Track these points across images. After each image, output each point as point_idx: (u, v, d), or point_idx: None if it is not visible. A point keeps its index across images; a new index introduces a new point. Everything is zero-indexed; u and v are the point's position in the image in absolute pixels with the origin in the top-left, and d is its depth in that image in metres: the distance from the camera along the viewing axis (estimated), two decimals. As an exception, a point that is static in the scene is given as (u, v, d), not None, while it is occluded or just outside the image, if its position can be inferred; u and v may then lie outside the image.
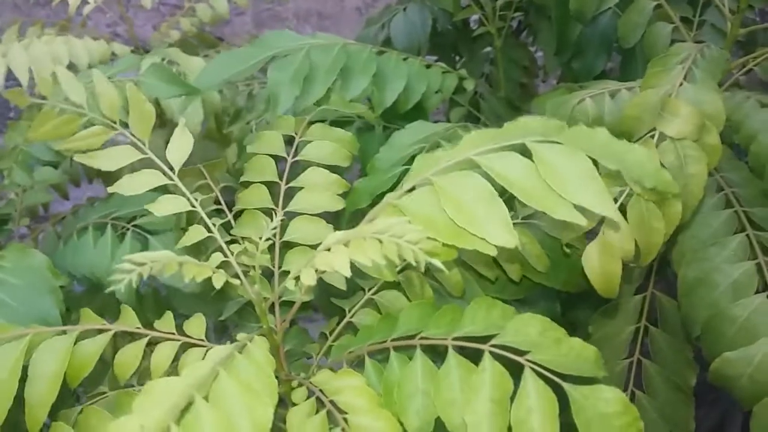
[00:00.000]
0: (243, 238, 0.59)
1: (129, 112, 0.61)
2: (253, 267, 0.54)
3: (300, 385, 0.54)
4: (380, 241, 0.43)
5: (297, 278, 0.47)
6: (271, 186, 0.70)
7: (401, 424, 0.48)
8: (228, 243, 0.58)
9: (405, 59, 0.89)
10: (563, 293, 0.78)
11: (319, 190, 0.68)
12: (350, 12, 2.30)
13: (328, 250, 0.44)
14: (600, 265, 0.56)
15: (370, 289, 0.65)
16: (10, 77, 0.90)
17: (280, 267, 0.64)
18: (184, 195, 0.59)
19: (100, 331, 0.54)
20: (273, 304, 0.60)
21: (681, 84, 0.63)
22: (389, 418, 0.47)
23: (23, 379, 0.49)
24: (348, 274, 0.42)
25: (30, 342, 0.50)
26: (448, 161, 0.48)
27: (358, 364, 0.56)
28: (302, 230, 0.66)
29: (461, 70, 0.97)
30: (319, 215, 0.67)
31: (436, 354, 0.50)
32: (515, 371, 0.45)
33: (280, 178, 0.70)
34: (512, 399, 0.44)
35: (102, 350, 0.53)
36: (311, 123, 0.75)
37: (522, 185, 0.45)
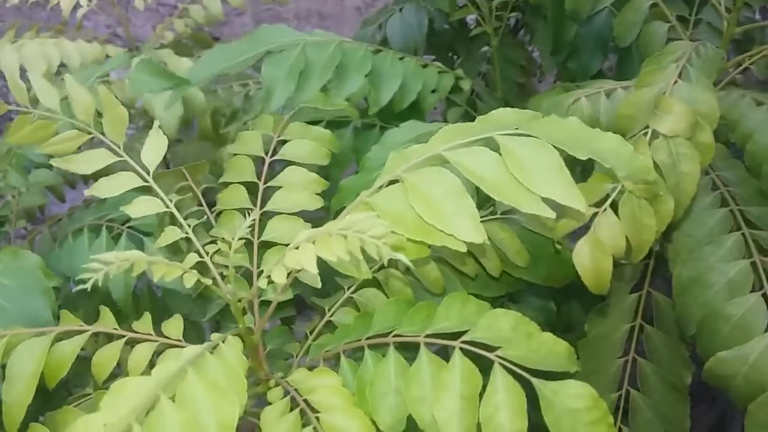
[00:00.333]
0: (221, 238, 0.59)
1: (103, 116, 0.61)
2: (226, 267, 0.54)
3: (277, 384, 0.54)
4: (345, 237, 0.43)
5: (269, 277, 0.47)
6: (251, 186, 0.70)
7: (374, 422, 0.48)
8: (209, 243, 0.58)
9: (401, 58, 0.89)
10: (557, 292, 0.79)
11: (297, 189, 0.68)
12: (350, 12, 2.30)
13: (297, 248, 0.44)
14: (591, 261, 0.56)
15: (349, 288, 0.65)
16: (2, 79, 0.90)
17: (258, 267, 0.64)
18: (159, 197, 0.59)
19: (79, 332, 0.54)
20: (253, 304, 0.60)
21: (675, 82, 0.63)
22: (362, 417, 0.47)
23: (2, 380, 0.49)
24: (315, 271, 0.43)
25: (8, 343, 0.51)
26: (418, 157, 0.48)
27: (335, 363, 0.56)
28: (280, 229, 0.66)
29: (458, 69, 0.97)
30: (305, 215, 0.67)
31: (412, 351, 0.50)
32: (487, 367, 0.45)
33: (260, 178, 0.70)
34: (482, 395, 0.44)
35: (78, 350, 0.53)
36: (290, 122, 0.75)
37: (490, 180, 0.45)
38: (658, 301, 0.80)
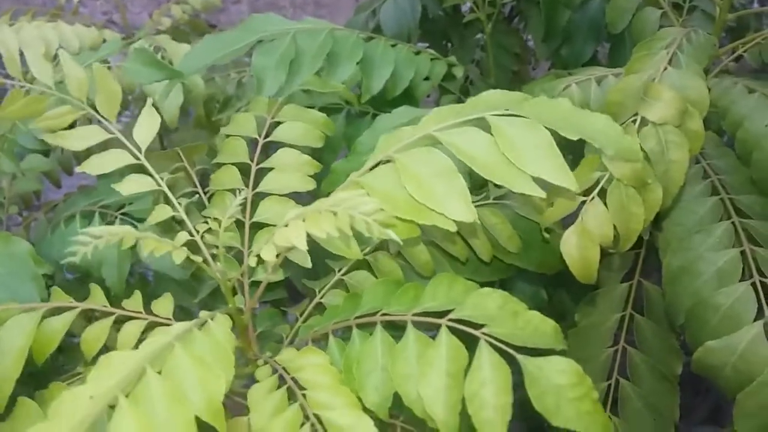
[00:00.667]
0: (213, 218, 0.59)
1: (96, 92, 0.61)
2: (216, 246, 0.54)
3: (265, 363, 0.54)
4: (335, 214, 0.43)
5: (258, 256, 0.47)
6: (244, 167, 0.70)
7: (360, 400, 0.48)
8: (201, 223, 0.58)
9: (393, 45, 0.89)
10: (549, 280, 0.78)
11: (289, 171, 0.68)
12: (346, 0, 2.29)
13: (287, 225, 0.44)
14: (578, 250, 0.56)
15: (340, 270, 0.65)
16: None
17: (250, 247, 0.64)
18: (150, 175, 0.59)
19: (69, 309, 0.54)
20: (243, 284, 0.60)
21: (665, 69, 0.63)
22: (348, 394, 0.47)
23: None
24: (304, 247, 0.43)
25: None
26: (410, 138, 0.48)
27: (324, 343, 0.56)
28: (272, 210, 0.66)
29: (451, 56, 0.97)
30: (298, 199, 0.66)
31: (400, 331, 0.50)
32: (473, 345, 0.44)
33: (253, 159, 0.70)
34: (468, 372, 0.44)
35: (67, 327, 0.53)
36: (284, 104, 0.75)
37: (481, 159, 0.45)
38: (648, 290, 0.80)
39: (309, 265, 0.53)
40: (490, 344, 0.44)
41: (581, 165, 0.59)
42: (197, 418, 0.37)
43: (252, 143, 0.72)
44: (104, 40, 1.05)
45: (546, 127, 0.46)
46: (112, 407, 0.34)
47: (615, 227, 0.57)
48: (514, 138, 0.45)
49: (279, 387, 0.50)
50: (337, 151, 0.94)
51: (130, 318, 0.56)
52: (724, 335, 0.63)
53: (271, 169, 0.68)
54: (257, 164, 0.69)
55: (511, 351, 0.43)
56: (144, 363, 0.37)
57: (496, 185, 0.46)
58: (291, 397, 0.49)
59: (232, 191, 0.68)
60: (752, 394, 0.61)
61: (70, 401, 0.34)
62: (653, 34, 0.72)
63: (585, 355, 0.78)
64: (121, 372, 0.36)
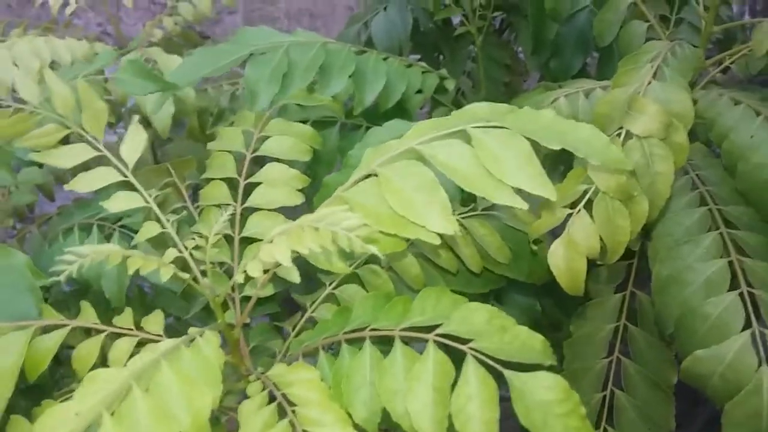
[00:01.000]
0: (201, 234, 0.60)
1: (82, 110, 0.61)
2: (204, 262, 0.55)
3: (257, 379, 0.54)
4: (317, 230, 0.43)
5: (245, 272, 0.47)
6: (233, 182, 0.70)
7: (350, 415, 0.48)
8: (190, 240, 0.58)
9: (385, 59, 0.89)
10: (544, 292, 0.79)
11: (278, 185, 0.68)
12: (341, 11, 2.30)
13: (272, 241, 0.44)
14: (565, 262, 0.57)
15: (331, 284, 0.66)
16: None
17: (240, 263, 0.64)
18: (138, 192, 0.60)
19: (61, 327, 0.54)
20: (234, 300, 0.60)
21: (649, 82, 0.63)
22: (337, 410, 0.48)
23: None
24: (289, 264, 0.43)
25: None
26: (393, 151, 0.49)
27: (315, 358, 0.57)
28: (261, 225, 0.66)
29: (443, 69, 0.97)
30: (290, 213, 0.67)
31: (389, 345, 0.50)
32: (461, 360, 0.45)
33: (241, 174, 0.70)
34: (455, 387, 0.44)
35: (59, 345, 0.54)
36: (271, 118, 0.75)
37: (462, 172, 0.46)
38: (641, 301, 0.80)
39: (297, 280, 0.53)
40: (477, 359, 0.44)
41: (567, 177, 0.60)
42: (183, 436, 0.37)
43: (240, 158, 0.72)
44: (96, 53, 1.06)
45: (529, 138, 0.46)
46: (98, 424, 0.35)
47: (602, 239, 0.57)
48: (494, 149, 0.46)
49: (269, 403, 0.50)
50: (331, 165, 0.94)
51: (122, 335, 0.56)
52: (713, 344, 0.63)
53: (259, 183, 0.69)
54: (245, 179, 0.69)
55: (498, 366, 0.44)
56: (130, 380, 0.37)
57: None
58: (281, 413, 0.49)
59: (221, 206, 0.69)
60: (740, 404, 0.62)
61: (57, 417, 0.35)
62: (640, 46, 0.73)
63: (580, 366, 0.79)
64: (106, 389, 0.36)
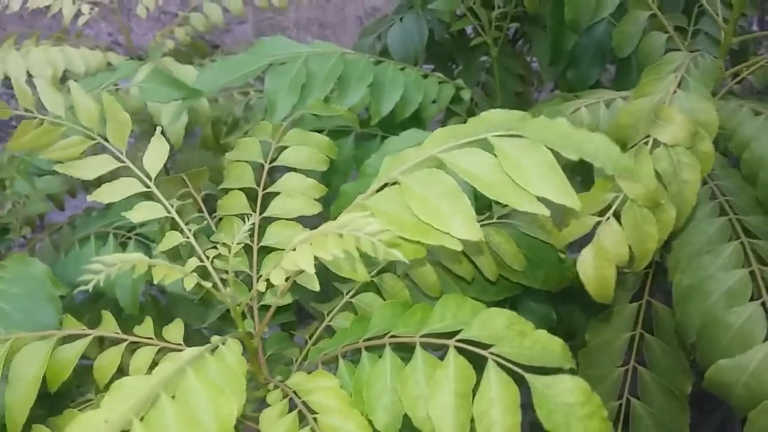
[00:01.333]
0: (222, 243, 0.60)
1: (106, 122, 0.61)
2: (227, 272, 0.55)
3: (276, 387, 0.55)
4: (341, 236, 0.43)
5: (268, 281, 0.48)
6: (251, 192, 0.70)
7: (370, 422, 0.48)
8: (209, 249, 0.59)
9: (402, 69, 0.90)
10: (560, 300, 0.79)
11: (295, 195, 0.68)
12: (351, 21, 2.31)
13: (294, 249, 0.45)
14: (595, 270, 0.57)
15: (348, 293, 0.66)
16: (6, 85, 0.90)
17: (258, 272, 0.64)
18: (160, 202, 0.60)
19: (82, 336, 0.55)
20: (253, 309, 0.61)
21: (674, 92, 0.64)
22: (358, 417, 0.48)
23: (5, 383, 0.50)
24: (312, 271, 0.43)
25: (11, 347, 0.51)
26: (414, 160, 0.49)
27: (333, 366, 0.57)
28: (279, 235, 0.66)
29: (458, 79, 0.98)
30: (307, 222, 0.67)
31: (408, 352, 0.50)
32: (481, 365, 0.45)
33: (259, 185, 0.70)
34: (476, 392, 0.44)
35: (80, 354, 0.54)
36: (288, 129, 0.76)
37: (486, 180, 0.46)
38: (657, 310, 0.80)
39: (317, 288, 0.53)
40: (498, 364, 0.44)
41: (595, 186, 0.60)
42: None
43: (258, 168, 0.73)
44: (109, 63, 1.07)
45: (548, 147, 0.46)
46: (125, 432, 0.35)
47: (629, 247, 0.58)
48: (518, 158, 0.46)
49: (290, 411, 0.50)
50: (347, 174, 0.95)
51: (142, 344, 0.56)
52: (736, 354, 0.63)
53: (277, 193, 0.69)
54: (264, 189, 0.70)
55: (519, 370, 0.44)
56: (157, 388, 0.37)
57: (499, 204, 0.46)
58: (302, 420, 0.50)
59: (240, 216, 0.69)
60: (764, 412, 0.62)
61: (86, 425, 0.35)
62: (659, 57, 0.74)
63: (595, 374, 0.79)
64: (134, 396, 0.36)
